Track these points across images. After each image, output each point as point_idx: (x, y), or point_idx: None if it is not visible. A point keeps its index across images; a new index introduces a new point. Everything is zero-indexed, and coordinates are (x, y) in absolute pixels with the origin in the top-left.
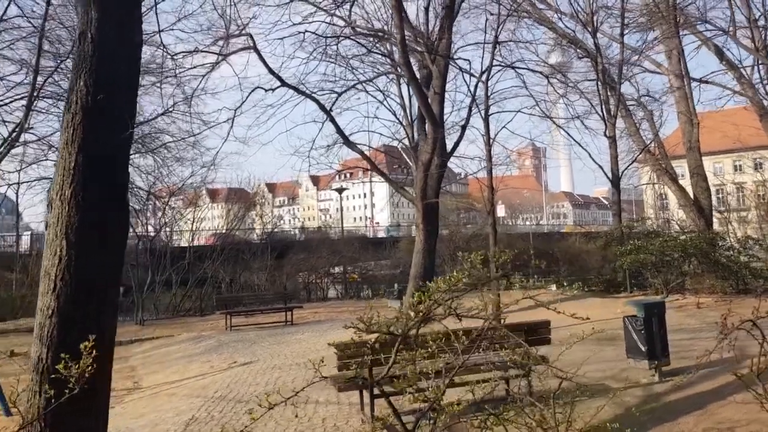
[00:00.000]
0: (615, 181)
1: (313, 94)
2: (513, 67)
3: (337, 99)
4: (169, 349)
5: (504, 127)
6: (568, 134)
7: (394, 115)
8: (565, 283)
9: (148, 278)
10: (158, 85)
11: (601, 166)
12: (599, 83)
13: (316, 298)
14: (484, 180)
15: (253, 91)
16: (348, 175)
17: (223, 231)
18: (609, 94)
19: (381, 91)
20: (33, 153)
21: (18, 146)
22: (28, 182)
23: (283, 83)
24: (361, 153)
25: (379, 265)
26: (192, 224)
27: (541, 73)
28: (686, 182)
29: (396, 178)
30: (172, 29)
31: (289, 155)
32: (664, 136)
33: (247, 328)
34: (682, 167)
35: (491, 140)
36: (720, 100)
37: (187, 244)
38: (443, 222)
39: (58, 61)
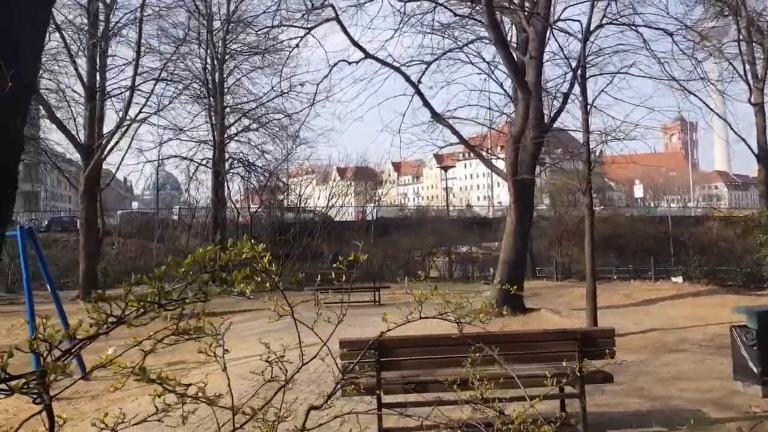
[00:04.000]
0: (762, 155)
1: (400, 67)
2: (630, 25)
3: (425, 70)
4: (254, 323)
5: (603, 90)
6: (702, 101)
7: (501, 87)
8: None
9: None
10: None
11: (743, 139)
12: (742, 42)
13: (416, 278)
14: (615, 157)
15: (335, 64)
16: (468, 154)
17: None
18: (755, 53)
19: (488, 62)
20: (160, 133)
21: (127, 125)
22: (160, 159)
23: (367, 55)
24: (450, 127)
25: (487, 247)
26: (300, 200)
27: (664, 30)
28: None
29: None
30: (268, 11)
31: (381, 131)
32: None
33: (334, 306)
34: None
35: (589, 107)
36: None
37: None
38: (557, 203)
39: (176, 46)
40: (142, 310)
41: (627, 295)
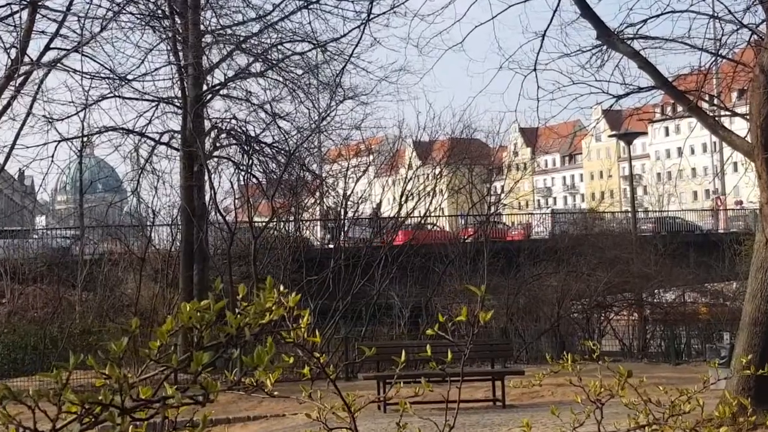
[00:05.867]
0: None
1: None
2: None
3: None
4: None
5: None
6: None
7: None
8: None
9: None
10: None
11: None
12: None
13: (573, 350)
14: None
15: None
16: (672, 108)
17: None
18: None
19: None
20: (86, 87)
21: (25, 73)
22: (85, 135)
23: None
24: (636, 56)
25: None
26: (345, 205)
27: None
28: None
29: None
30: None
31: (499, 69)
32: None
33: (416, 408)
34: None
35: None
36: None
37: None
38: None
39: None
40: (91, 418)
41: None
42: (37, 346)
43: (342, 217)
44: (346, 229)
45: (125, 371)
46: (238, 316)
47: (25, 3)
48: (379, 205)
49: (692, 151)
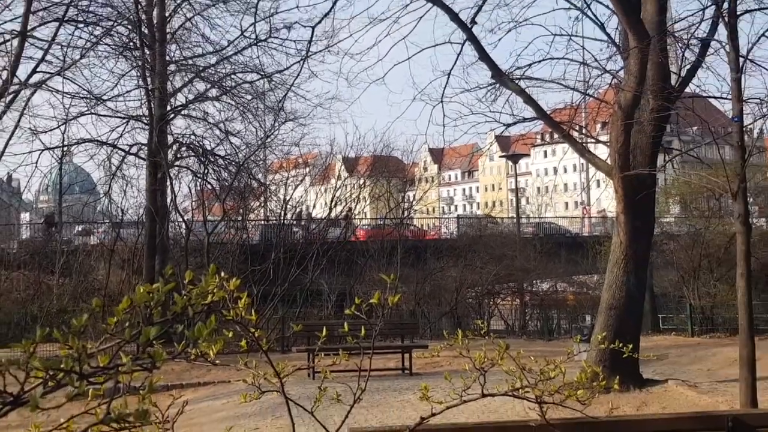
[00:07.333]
0: None
1: None
2: None
3: (483, 3)
4: (213, 404)
5: (765, 34)
6: None
7: (602, 29)
8: None
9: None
10: None
11: None
12: None
13: (467, 328)
14: None
15: None
16: (550, 135)
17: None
18: None
19: None
20: (66, 105)
21: (14, 93)
22: (65, 146)
23: None
24: (522, 93)
25: (580, 282)
26: (285, 208)
27: None
28: None
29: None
30: None
31: (413, 100)
32: None
33: (339, 376)
34: None
35: (742, 61)
36: None
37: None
38: (691, 213)
39: None
40: (54, 382)
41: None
42: (20, 322)
43: (282, 217)
44: (284, 227)
45: (85, 343)
46: (184, 297)
47: (16, 33)
48: (350, 209)
49: (565, 170)
